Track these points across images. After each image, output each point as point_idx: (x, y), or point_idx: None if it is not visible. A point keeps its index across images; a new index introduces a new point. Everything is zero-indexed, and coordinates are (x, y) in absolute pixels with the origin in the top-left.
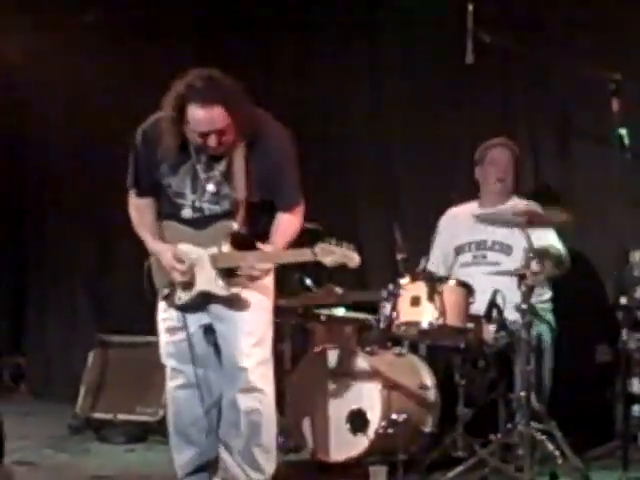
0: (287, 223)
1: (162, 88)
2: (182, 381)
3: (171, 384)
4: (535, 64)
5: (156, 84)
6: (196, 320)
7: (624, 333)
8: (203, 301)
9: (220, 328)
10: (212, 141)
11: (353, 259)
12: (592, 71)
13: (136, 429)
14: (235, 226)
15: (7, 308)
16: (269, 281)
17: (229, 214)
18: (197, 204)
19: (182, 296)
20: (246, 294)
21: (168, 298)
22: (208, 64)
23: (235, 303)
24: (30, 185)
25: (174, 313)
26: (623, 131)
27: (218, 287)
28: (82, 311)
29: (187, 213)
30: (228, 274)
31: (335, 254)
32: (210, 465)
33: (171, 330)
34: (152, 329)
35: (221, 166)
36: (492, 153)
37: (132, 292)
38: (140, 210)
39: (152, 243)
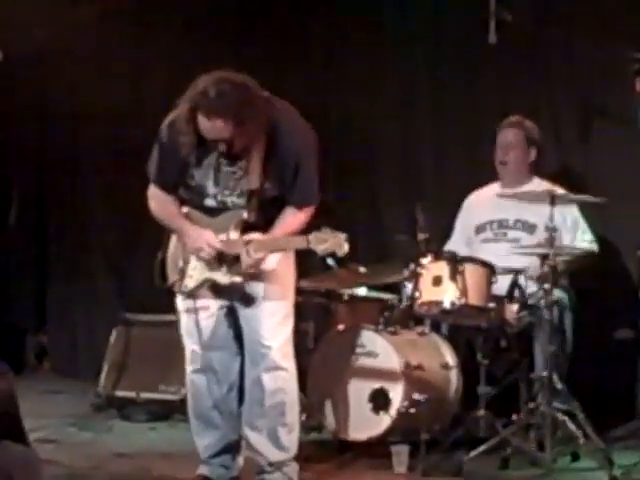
0: (292, 217)
1: (190, 74)
2: (199, 365)
3: (189, 368)
4: (557, 44)
5: (184, 69)
6: (217, 301)
7: None
8: (213, 288)
9: (242, 309)
10: (222, 147)
11: (342, 247)
12: (615, 51)
13: (159, 407)
14: (245, 215)
15: (30, 287)
16: (289, 260)
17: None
18: (219, 197)
19: (188, 283)
20: (266, 275)
21: (175, 286)
22: (238, 54)
23: (251, 296)
24: (52, 166)
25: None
26: None
27: (220, 274)
28: (105, 289)
29: (209, 202)
30: (233, 262)
31: (327, 242)
32: (233, 446)
33: (190, 311)
34: (174, 308)
35: (242, 162)
36: (498, 136)
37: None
38: (162, 201)
39: (189, 226)
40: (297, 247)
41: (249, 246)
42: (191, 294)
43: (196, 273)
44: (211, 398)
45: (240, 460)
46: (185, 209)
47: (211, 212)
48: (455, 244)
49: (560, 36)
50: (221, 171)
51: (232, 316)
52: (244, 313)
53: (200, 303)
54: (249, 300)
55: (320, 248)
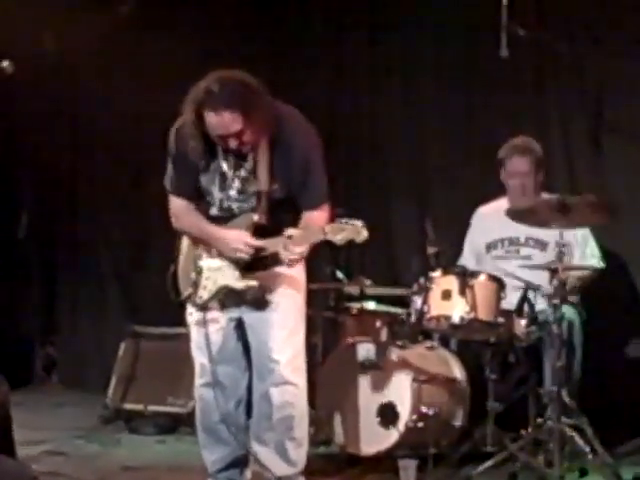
0: (317, 216)
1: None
2: (208, 379)
3: (198, 381)
4: (568, 57)
5: (190, 73)
6: (226, 314)
7: None
8: (227, 298)
9: (250, 321)
10: (232, 143)
11: (361, 233)
12: (626, 64)
13: (167, 420)
14: (255, 217)
15: (39, 299)
16: (299, 273)
17: (255, 209)
18: (225, 204)
19: (203, 295)
20: (276, 287)
21: (190, 298)
22: (240, 58)
23: (265, 298)
24: (63, 180)
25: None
26: None
27: (233, 279)
28: (114, 302)
29: (214, 211)
30: (247, 267)
31: (344, 231)
32: (240, 461)
33: (199, 324)
34: (183, 321)
35: (248, 164)
36: (511, 164)
37: (164, 283)
38: (185, 212)
39: (220, 229)
40: (315, 239)
41: (289, 241)
42: (205, 306)
43: (210, 283)
44: (219, 412)
45: (248, 474)
46: None
47: (218, 221)
48: (465, 260)
49: (571, 50)
50: (227, 176)
51: (241, 329)
52: (253, 326)
53: (210, 316)
54: (261, 304)
55: (337, 238)
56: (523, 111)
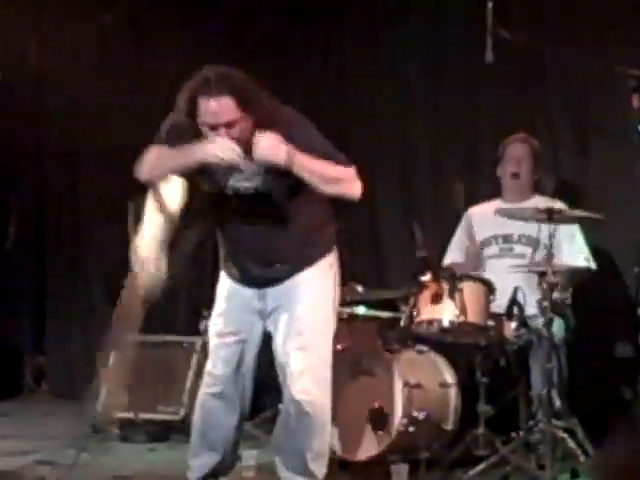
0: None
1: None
2: (217, 390)
3: (205, 390)
4: (554, 61)
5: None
6: (251, 325)
7: None
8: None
9: (273, 329)
10: (222, 133)
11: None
12: (612, 67)
13: (158, 428)
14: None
15: (28, 308)
16: (329, 275)
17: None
18: (234, 184)
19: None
20: (303, 289)
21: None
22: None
23: (293, 296)
24: (51, 188)
25: (229, 315)
26: None
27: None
28: (103, 310)
29: (229, 192)
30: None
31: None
32: (224, 472)
33: (221, 334)
34: (173, 328)
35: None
36: (509, 149)
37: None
38: (157, 152)
39: (192, 148)
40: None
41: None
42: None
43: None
44: (222, 425)
45: None
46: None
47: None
48: (452, 253)
49: (557, 53)
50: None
51: (247, 350)
52: (275, 334)
53: (234, 324)
54: (280, 319)
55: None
56: (509, 113)
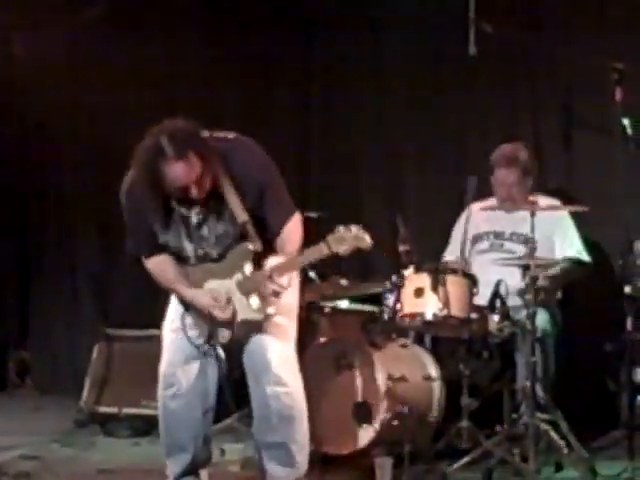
0: (292, 230)
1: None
2: (174, 391)
3: (162, 392)
4: (538, 54)
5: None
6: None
7: (629, 322)
8: (245, 331)
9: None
10: (193, 191)
11: (364, 240)
12: (595, 61)
13: (141, 423)
14: (250, 246)
15: (11, 304)
16: (294, 278)
17: (239, 240)
18: (199, 252)
19: (225, 334)
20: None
21: (212, 338)
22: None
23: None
24: (35, 186)
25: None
26: (626, 121)
27: (253, 312)
28: (86, 305)
29: (192, 261)
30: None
31: (347, 240)
32: (198, 467)
33: (175, 330)
34: (156, 322)
35: (211, 208)
36: (497, 174)
37: (136, 286)
38: (159, 268)
39: (189, 291)
40: (319, 257)
41: (274, 273)
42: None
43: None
44: (185, 423)
45: (204, 474)
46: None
47: (209, 260)
48: (451, 253)
49: (540, 47)
50: (190, 227)
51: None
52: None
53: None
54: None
55: (342, 249)
56: (492, 108)
